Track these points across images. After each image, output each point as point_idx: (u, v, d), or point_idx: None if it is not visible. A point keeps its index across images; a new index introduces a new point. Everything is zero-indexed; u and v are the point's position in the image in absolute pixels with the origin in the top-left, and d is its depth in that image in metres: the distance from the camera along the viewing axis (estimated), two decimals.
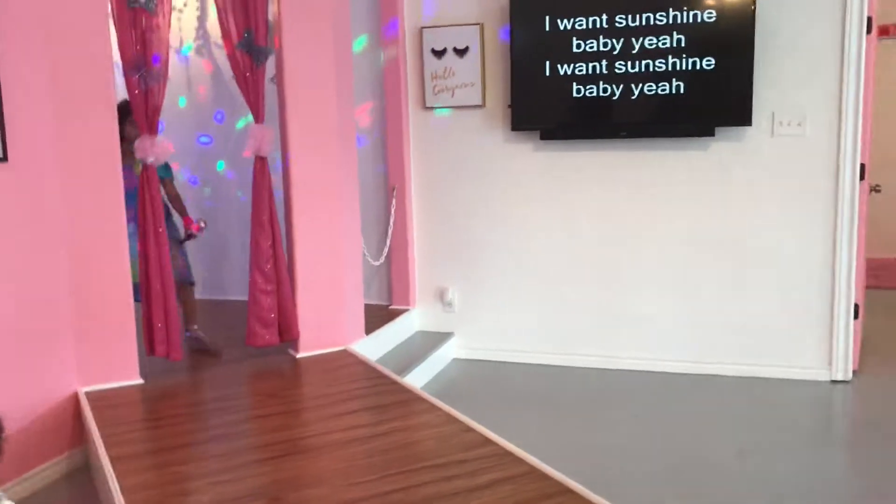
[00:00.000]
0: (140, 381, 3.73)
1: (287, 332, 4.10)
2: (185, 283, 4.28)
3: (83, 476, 3.40)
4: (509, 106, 4.70)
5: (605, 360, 4.73)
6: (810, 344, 4.41)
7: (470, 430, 3.06)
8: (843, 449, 3.74)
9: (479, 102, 4.80)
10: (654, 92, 4.37)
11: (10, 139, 3.20)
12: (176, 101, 5.34)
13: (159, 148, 3.71)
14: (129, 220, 3.72)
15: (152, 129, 3.69)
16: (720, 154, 4.39)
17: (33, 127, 3.32)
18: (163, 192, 3.97)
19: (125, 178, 3.68)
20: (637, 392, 4.36)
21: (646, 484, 3.25)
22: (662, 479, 3.30)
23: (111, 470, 2.79)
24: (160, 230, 3.76)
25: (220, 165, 5.43)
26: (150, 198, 3.74)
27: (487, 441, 2.94)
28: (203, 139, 5.30)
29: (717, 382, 4.44)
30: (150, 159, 3.70)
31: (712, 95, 4.28)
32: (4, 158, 3.18)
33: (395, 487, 2.60)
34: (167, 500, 2.56)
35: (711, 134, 4.35)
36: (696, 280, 4.53)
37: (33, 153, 3.33)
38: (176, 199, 4.27)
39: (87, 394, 3.55)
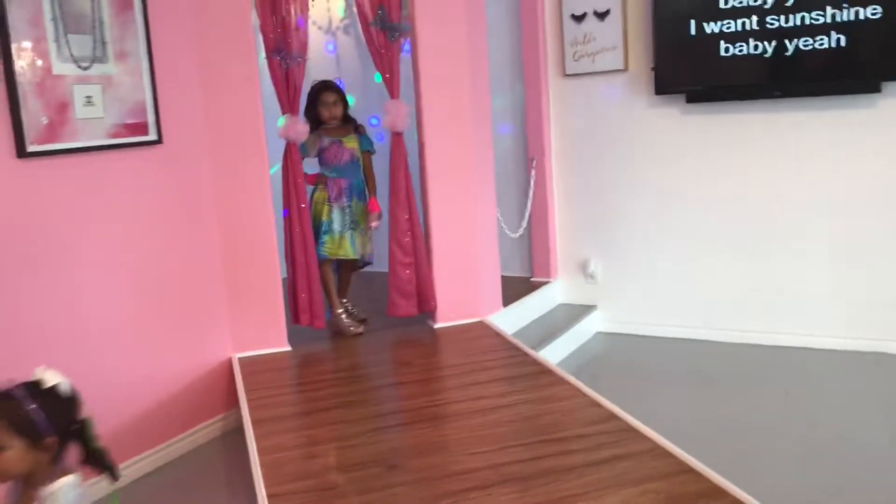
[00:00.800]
0: (288, 348, 3.95)
1: (425, 304, 4.19)
2: (360, 264, 4.29)
3: (237, 436, 3.64)
4: (653, 69, 4.50)
5: (757, 335, 4.46)
6: None
7: (596, 404, 3.00)
8: None
9: (622, 67, 4.64)
10: (811, 47, 4.04)
11: (164, 122, 3.45)
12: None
13: (299, 127, 3.88)
14: (339, 194, 4.08)
15: (293, 109, 3.86)
16: (888, 112, 3.99)
17: (185, 110, 3.56)
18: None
19: (334, 153, 4.08)
20: (789, 370, 4.10)
21: (784, 467, 3.06)
22: (804, 463, 3.09)
23: (252, 431, 2.98)
24: (303, 206, 3.94)
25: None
26: (292, 175, 3.92)
27: (612, 416, 2.88)
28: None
29: (880, 361, 4.08)
30: (291, 138, 3.87)
31: (878, 48, 3.90)
32: (160, 140, 3.45)
33: (512, 459, 2.60)
34: (296, 462, 2.71)
35: (878, 90, 3.96)
36: (857, 250, 4.17)
37: (186, 135, 3.57)
38: (370, 176, 4.21)
39: (240, 359, 3.80)
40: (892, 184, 4.05)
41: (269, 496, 2.43)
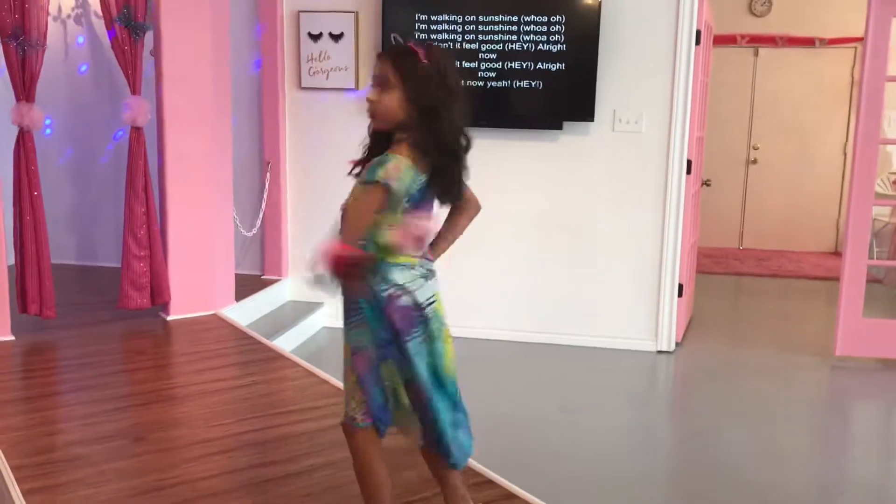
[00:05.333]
0: (11, 337, 3.87)
1: (158, 296, 4.31)
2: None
3: None
4: None
5: (455, 329, 5.12)
6: (639, 318, 4.97)
7: (325, 382, 3.41)
8: (659, 407, 4.30)
9: (353, 86, 5.11)
10: (511, 88, 4.81)
11: None
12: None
13: (34, 115, 3.85)
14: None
15: (29, 96, 3.82)
16: (567, 146, 4.87)
17: None
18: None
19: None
20: (479, 359, 4.71)
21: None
22: (483, 433, 3.69)
23: None
24: (35, 194, 3.90)
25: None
26: (26, 162, 3.87)
27: (339, 391, 3.28)
28: None
29: (555, 351, 4.92)
30: (25, 126, 3.83)
31: (561, 93, 4.76)
32: None
33: (250, 429, 2.92)
34: (36, 439, 2.78)
35: (560, 127, 4.83)
36: (541, 259, 5.01)
37: None
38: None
39: None
40: (568, 204, 4.94)
41: (14, 468, 2.50)
